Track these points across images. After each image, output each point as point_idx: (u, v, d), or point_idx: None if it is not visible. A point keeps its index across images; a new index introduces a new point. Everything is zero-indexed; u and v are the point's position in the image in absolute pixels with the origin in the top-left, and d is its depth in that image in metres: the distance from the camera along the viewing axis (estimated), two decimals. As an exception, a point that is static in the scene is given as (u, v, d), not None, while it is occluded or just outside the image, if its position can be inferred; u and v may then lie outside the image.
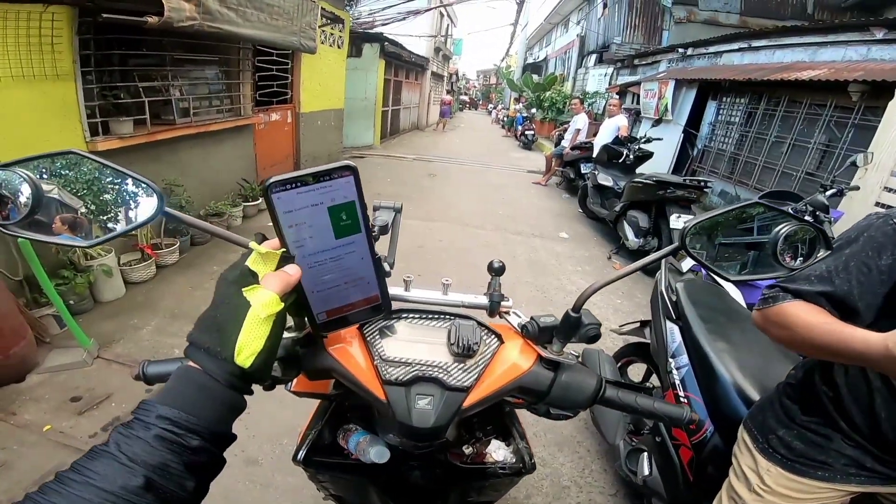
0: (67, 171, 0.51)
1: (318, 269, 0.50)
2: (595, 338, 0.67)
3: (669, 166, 7.23)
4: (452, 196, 6.59)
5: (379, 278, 0.55)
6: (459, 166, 9.24)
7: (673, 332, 1.62)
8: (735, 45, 6.66)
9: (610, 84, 11.41)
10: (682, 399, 1.48)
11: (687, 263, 2.88)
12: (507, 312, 0.78)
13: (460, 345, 0.65)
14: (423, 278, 3.58)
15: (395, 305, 0.71)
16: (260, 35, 3.88)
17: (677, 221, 3.92)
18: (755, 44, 6.26)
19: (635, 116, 8.69)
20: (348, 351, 0.66)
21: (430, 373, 0.64)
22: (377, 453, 0.71)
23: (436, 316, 0.75)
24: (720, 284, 2.11)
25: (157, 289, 3.22)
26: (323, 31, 6.01)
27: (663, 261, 1.98)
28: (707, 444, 1.33)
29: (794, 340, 0.83)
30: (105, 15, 2.81)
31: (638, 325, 2.06)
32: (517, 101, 13.83)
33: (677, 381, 1.51)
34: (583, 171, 6.62)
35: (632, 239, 4.47)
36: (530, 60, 26.08)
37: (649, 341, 1.85)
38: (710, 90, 6.85)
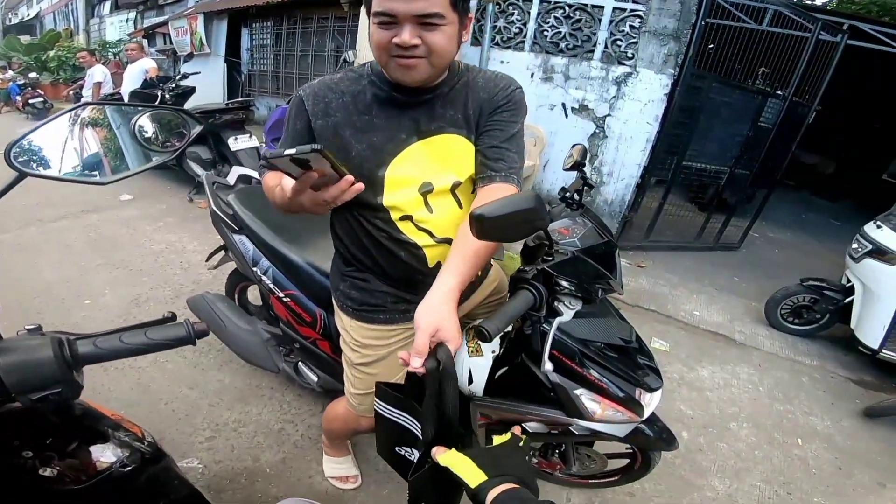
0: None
1: None
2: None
3: (222, 96, 7.23)
4: None
5: None
6: None
7: (244, 243, 1.61)
8: None
9: (135, 28, 9.95)
10: (284, 299, 1.47)
11: (232, 176, 3.11)
12: None
13: None
14: None
15: None
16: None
17: (236, 143, 3.90)
18: None
19: (173, 56, 8.02)
20: None
21: None
22: None
23: None
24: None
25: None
26: None
27: (205, 181, 1.86)
28: (329, 327, 1.36)
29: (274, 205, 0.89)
30: None
31: (222, 252, 1.91)
32: (3, 70, 10.09)
33: (272, 285, 1.51)
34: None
35: (203, 173, 4.02)
36: (16, 21, 20.78)
37: (234, 261, 1.80)
38: (241, 18, 7.03)
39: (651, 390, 1.01)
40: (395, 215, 0.91)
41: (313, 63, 6.16)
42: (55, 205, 3.94)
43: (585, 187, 1.52)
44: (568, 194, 1.47)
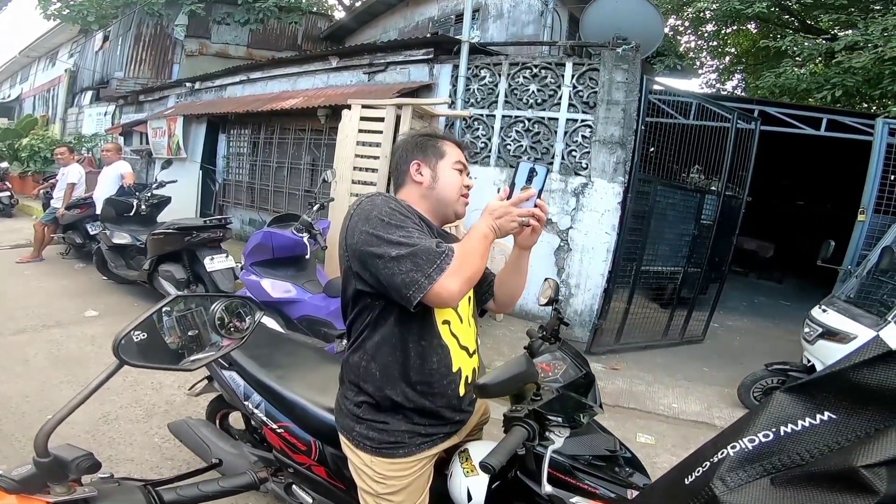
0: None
1: None
2: (92, 468, 0.67)
3: (196, 205, 6.99)
4: None
5: None
6: None
7: (234, 378, 1.65)
8: (237, 78, 7.01)
9: (112, 124, 9.93)
10: (278, 430, 1.52)
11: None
12: None
13: None
14: None
15: None
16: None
17: (213, 263, 3.82)
18: (253, 76, 6.77)
19: (148, 157, 8.00)
20: None
21: None
22: None
23: None
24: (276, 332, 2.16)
25: None
26: None
27: None
28: (326, 455, 1.39)
29: (481, 265, 1.01)
30: None
31: (205, 382, 1.92)
32: None
33: (264, 418, 1.55)
34: (91, 233, 5.22)
35: (175, 293, 3.85)
36: None
37: (221, 392, 1.82)
38: (220, 123, 6.99)
39: (639, 488, 1.12)
40: (439, 318, 1.08)
41: (289, 176, 6.04)
42: (15, 318, 3.79)
43: (561, 324, 1.67)
44: (545, 333, 1.64)
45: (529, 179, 1.00)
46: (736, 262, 6.35)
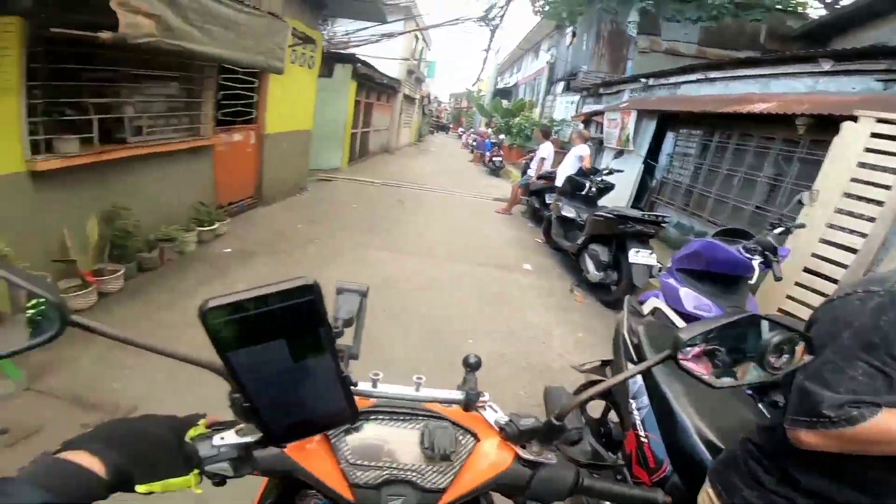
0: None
1: (272, 389, 0.44)
2: (577, 441, 0.69)
3: (629, 197, 7.29)
4: (420, 225, 6.53)
5: (346, 393, 0.49)
6: (427, 193, 9.23)
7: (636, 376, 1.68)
8: (693, 77, 6.87)
9: (576, 112, 11.63)
10: (642, 438, 1.51)
11: (648, 306, 2.92)
12: (483, 407, 0.75)
13: (434, 450, 0.64)
14: (394, 320, 3.47)
15: (362, 404, 0.69)
16: (223, 54, 3.75)
17: (636, 256, 4.01)
18: (711, 75, 6.50)
19: (598, 146, 8.84)
20: (310, 452, 0.64)
21: (403, 475, 0.62)
22: None
23: (406, 416, 0.72)
24: (677, 327, 2.17)
25: (98, 318, 2.98)
26: (294, 50, 5.94)
27: (625, 302, 2.03)
28: (667, 481, 1.36)
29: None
30: (55, 29, 2.67)
31: (599, 364, 2.05)
32: (487, 125, 14.11)
33: (638, 422, 1.54)
34: (547, 202, 6.68)
35: (592, 272, 4.55)
36: (501, 85, 26.50)
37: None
38: (669, 121, 7.01)
39: None
40: None
41: (740, 186, 5.43)
42: (479, 251, 5.55)
43: None
44: None
45: None
46: None
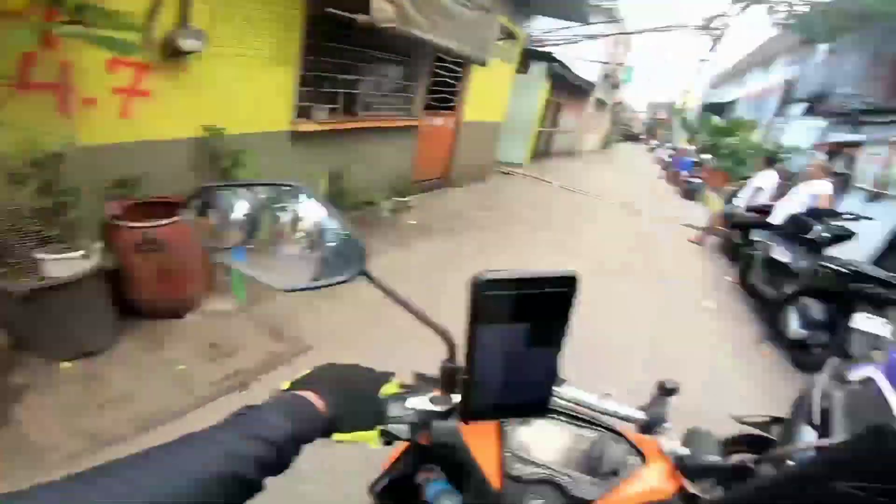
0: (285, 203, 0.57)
1: (496, 367, 0.47)
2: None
3: (875, 254, 5.87)
4: (594, 234, 6.25)
5: (550, 387, 0.51)
6: (608, 204, 8.70)
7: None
8: None
9: (820, 140, 9.65)
10: None
11: (860, 374, 2.36)
12: (661, 433, 0.73)
13: (603, 462, 0.63)
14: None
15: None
16: (443, 43, 4.15)
17: (865, 322, 3.31)
18: None
19: (843, 184, 7.23)
20: (479, 433, 0.66)
21: (556, 478, 0.62)
22: None
23: (583, 423, 0.73)
24: (890, 402, 1.70)
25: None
26: (497, 44, 6.21)
27: (828, 364, 1.75)
28: None
29: None
30: (328, 9, 3.31)
31: (768, 420, 1.79)
32: (689, 142, 12.50)
33: None
34: (753, 239, 5.67)
35: (794, 328, 3.79)
36: (714, 100, 23.55)
37: (774, 438, 1.64)
38: None
39: None
40: None
41: None
42: (656, 273, 5.01)
43: None
44: None
45: None
46: None
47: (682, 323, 4.07)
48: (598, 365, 3.02)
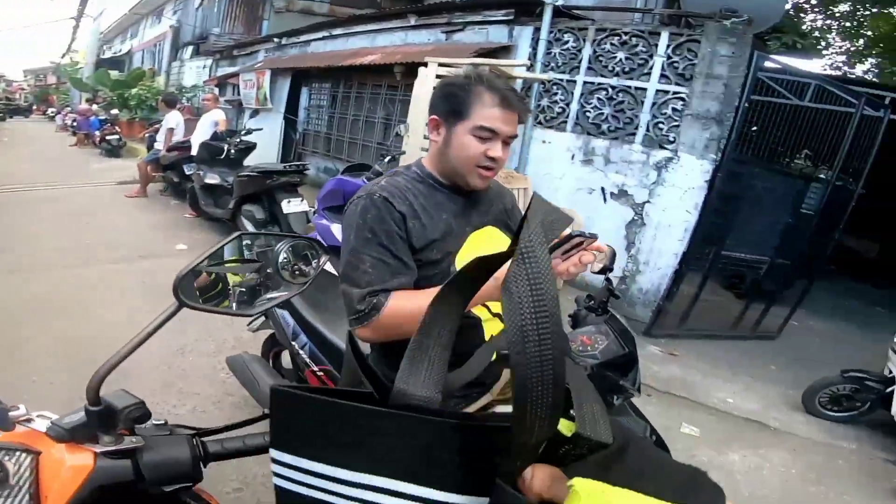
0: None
1: None
2: (142, 418, 0.61)
3: (278, 153, 7.44)
4: (27, 236, 4.37)
5: None
6: (26, 193, 6.30)
7: (286, 318, 1.66)
8: (320, 34, 7.22)
9: (209, 76, 10.69)
10: (318, 373, 1.50)
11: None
12: (29, 420, 0.59)
13: None
14: None
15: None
16: None
17: (289, 206, 4.09)
18: (334, 32, 6.95)
19: (238, 107, 8.52)
20: None
21: None
22: None
23: None
24: None
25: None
26: None
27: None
28: None
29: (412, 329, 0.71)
30: None
31: (263, 318, 1.95)
32: (90, 101, 10.97)
33: (307, 359, 1.55)
34: (187, 173, 5.77)
35: (239, 232, 4.28)
36: (108, 55, 21.91)
37: (274, 329, 1.84)
38: (303, 77, 7.38)
39: None
40: None
41: (364, 129, 6.37)
42: (115, 248, 4.26)
43: (611, 296, 1.60)
44: (593, 303, 1.56)
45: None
46: (832, 259, 5.72)
47: (164, 276, 3.60)
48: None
